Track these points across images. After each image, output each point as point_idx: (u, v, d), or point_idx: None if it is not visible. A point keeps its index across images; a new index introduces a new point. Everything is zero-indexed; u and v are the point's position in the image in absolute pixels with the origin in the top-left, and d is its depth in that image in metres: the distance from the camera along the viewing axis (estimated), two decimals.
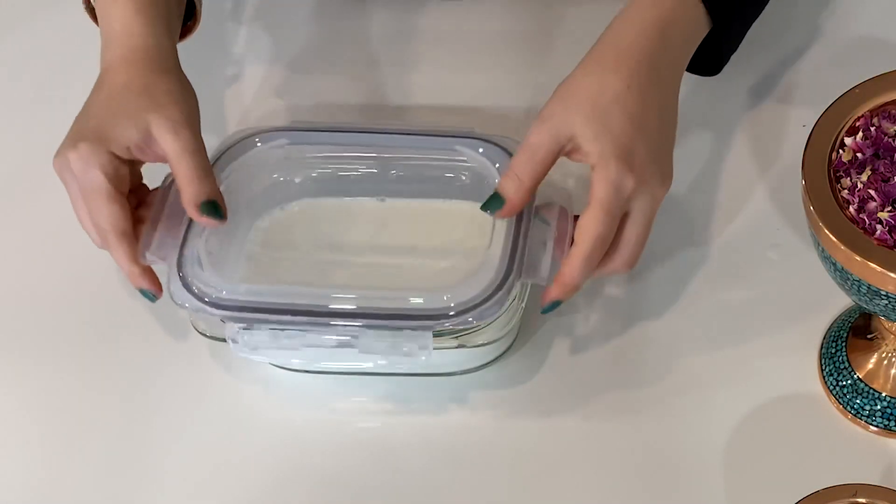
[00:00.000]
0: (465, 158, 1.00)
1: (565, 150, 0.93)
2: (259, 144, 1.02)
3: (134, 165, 0.99)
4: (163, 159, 0.97)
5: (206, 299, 0.94)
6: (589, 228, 0.92)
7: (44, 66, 1.21)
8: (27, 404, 1.03)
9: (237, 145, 1.02)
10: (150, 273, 0.97)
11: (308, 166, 1.03)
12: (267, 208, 1.03)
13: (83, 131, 0.97)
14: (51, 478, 1.00)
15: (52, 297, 1.07)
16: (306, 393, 1.01)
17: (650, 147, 0.93)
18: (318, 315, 0.93)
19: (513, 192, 0.93)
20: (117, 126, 0.96)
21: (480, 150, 1.00)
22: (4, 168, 1.16)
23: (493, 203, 0.94)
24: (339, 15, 1.20)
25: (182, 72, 1.00)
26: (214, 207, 0.95)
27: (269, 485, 0.98)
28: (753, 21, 1.04)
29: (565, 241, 0.94)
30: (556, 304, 0.94)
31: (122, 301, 1.05)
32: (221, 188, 0.98)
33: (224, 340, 0.96)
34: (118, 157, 0.96)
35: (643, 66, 0.94)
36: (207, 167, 0.96)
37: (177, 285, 0.95)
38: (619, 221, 0.93)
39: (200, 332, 0.98)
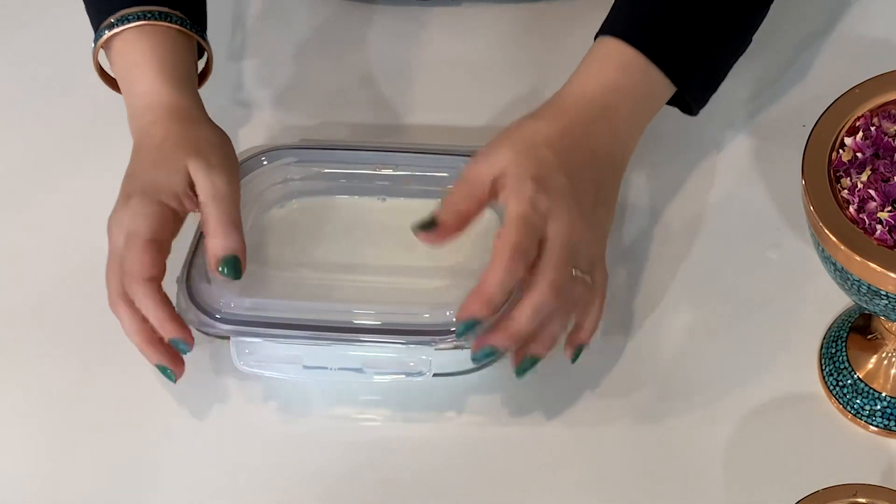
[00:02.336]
0: None
1: (498, 183, 0.94)
2: (265, 163, 1.03)
3: (179, 223, 0.99)
4: None
5: (217, 315, 0.95)
6: (506, 238, 0.91)
7: (44, 66, 1.21)
8: (26, 405, 1.03)
9: (245, 163, 1.03)
10: (180, 325, 0.96)
11: (312, 177, 1.04)
12: (268, 208, 1.04)
13: (132, 189, 0.97)
14: (50, 479, 1.00)
15: (52, 299, 1.07)
16: (305, 393, 1.01)
17: (573, 182, 0.94)
18: (319, 330, 0.94)
19: (446, 216, 0.93)
20: (162, 175, 0.97)
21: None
22: (6, 169, 1.16)
23: (426, 225, 0.93)
24: (342, 30, 1.20)
25: (214, 123, 1.02)
26: (233, 264, 0.95)
27: (268, 485, 0.98)
28: (726, 72, 1.05)
29: None
30: (471, 325, 0.91)
31: None
32: None
33: (225, 338, 0.97)
34: (168, 208, 0.96)
35: (580, 124, 0.96)
36: (236, 219, 0.96)
37: (185, 302, 0.96)
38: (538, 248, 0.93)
39: (199, 330, 0.98)
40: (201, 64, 1.08)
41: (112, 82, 1.05)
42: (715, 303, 1.03)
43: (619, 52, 0.99)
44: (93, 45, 1.04)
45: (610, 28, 1.00)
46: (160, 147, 0.98)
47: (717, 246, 1.05)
